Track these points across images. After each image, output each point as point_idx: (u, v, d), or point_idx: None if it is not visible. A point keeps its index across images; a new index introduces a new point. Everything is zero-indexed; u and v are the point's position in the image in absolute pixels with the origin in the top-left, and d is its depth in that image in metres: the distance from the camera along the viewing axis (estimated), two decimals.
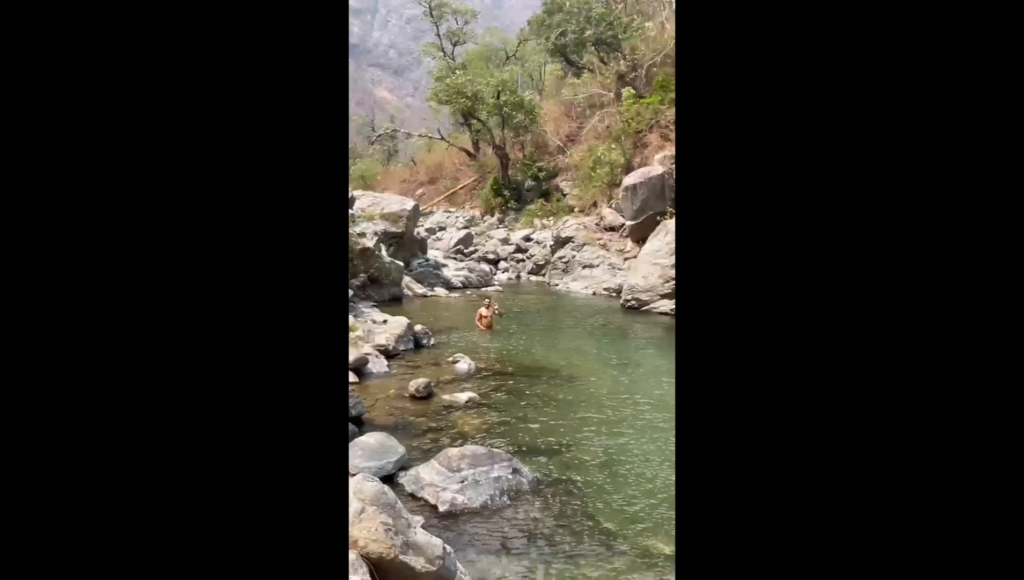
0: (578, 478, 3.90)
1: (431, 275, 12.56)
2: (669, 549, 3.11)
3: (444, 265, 13.58)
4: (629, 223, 12.60)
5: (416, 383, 5.40)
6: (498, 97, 18.44)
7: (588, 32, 17.10)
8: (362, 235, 10.16)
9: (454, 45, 25.10)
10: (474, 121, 20.53)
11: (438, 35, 24.74)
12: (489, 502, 3.52)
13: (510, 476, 3.72)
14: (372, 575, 2.24)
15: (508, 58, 24.57)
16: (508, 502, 3.55)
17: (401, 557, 2.31)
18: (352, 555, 2.23)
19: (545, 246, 14.85)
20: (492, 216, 19.22)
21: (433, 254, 14.55)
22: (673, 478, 3.92)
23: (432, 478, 3.65)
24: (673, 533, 3.26)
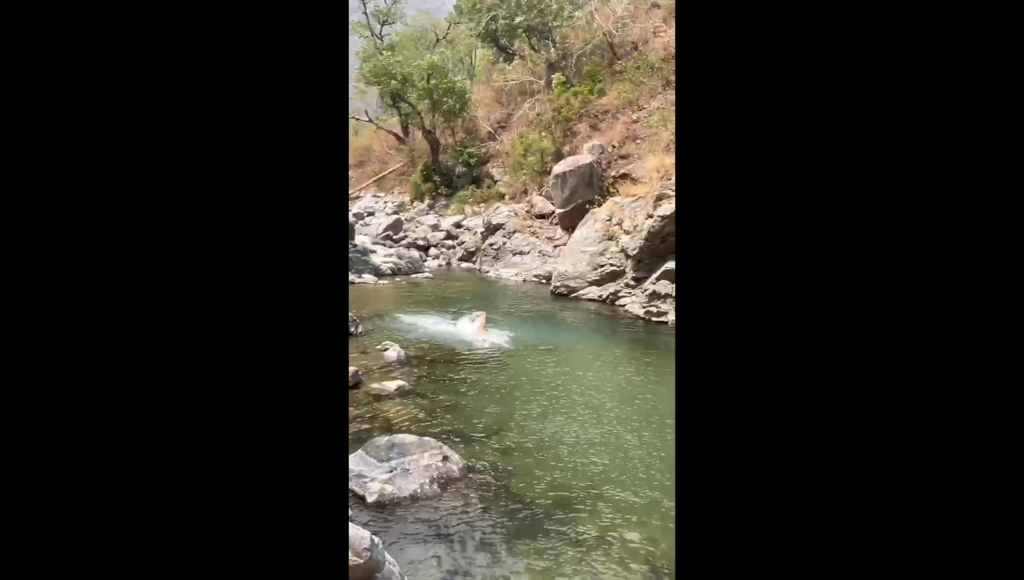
0: (509, 464, 3.92)
1: (359, 262, 12.24)
2: (598, 530, 3.18)
3: (373, 251, 13.27)
4: (559, 211, 12.74)
5: None
6: (428, 80, 18.10)
7: (519, 18, 17.05)
8: None
9: (382, 25, 24.37)
10: (403, 104, 20.08)
11: (365, 13, 23.94)
12: (419, 491, 3.48)
13: (440, 464, 3.69)
14: None
15: (438, 41, 24.13)
16: (438, 490, 3.53)
17: None
18: None
19: (476, 233, 14.79)
20: (422, 202, 18.91)
21: (361, 240, 14.18)
22: (604, 461, 4.02)
23: (360, 468, 3.57)
24: (604, 515, 3.34)
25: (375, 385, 5.25)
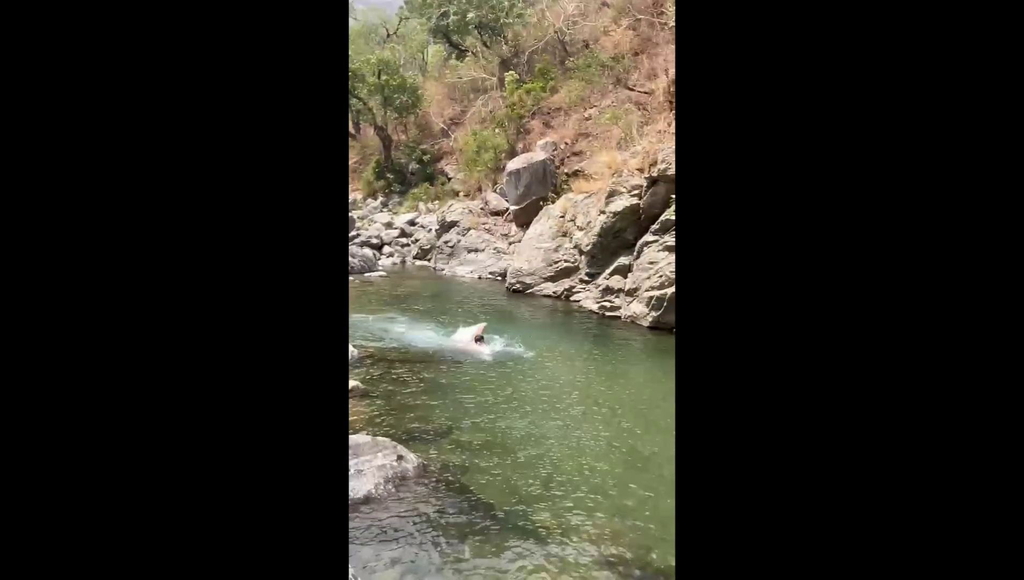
0: (464, 461, 3.92)
1: None
2: (553, 521, 3.21)
3: None
4: (513, 208, 12.76)
5: None
6: (379, 76, 17.84)
7: (470, 14, 16.98)
8: None
9: None
10: (354, 100, 19.75)
11: None
12: (373, 491, 3.44)
13: (395, 463, 3.66)
14: None
15: (389, 36, 23.80)
16: (393, 490, 3.50)
17: None
18: None
19: (430, 230, 14.69)
20: (375, 199, 18.64)
21: None
22: (558, 454, 4.05)
23: None
24: (557, 506, 3.38)
25: None
